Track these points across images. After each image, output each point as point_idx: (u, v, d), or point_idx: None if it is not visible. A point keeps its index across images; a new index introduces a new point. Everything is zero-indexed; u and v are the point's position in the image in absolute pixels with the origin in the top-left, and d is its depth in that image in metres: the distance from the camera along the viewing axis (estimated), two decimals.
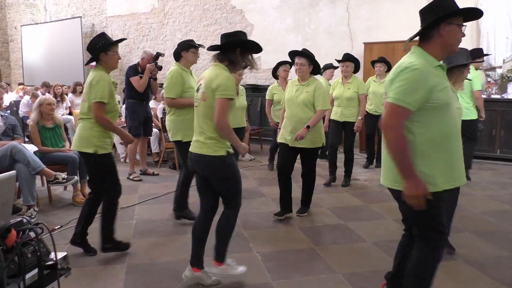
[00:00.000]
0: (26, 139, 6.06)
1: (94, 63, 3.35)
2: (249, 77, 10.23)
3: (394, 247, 3.46)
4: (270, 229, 3.94)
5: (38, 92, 8.40)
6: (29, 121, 4.98)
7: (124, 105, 6.32)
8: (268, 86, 6.53)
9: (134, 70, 5.80)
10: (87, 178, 4.84)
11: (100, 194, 3.33)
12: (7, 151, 4.19)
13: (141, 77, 5.72)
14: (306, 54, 4.05)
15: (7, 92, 10.33)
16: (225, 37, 2.81)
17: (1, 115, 4.68)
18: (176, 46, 4.28)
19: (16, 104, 8.59)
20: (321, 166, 6.11)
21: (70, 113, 8.52)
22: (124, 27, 12.09)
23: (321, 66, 6.89)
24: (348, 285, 2.87)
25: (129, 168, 5.97)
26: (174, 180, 4.30)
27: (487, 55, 5.65)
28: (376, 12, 8.41)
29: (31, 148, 4.58)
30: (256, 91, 8.85)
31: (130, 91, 5.83)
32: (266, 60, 9.69)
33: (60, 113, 7.93)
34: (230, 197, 2.80)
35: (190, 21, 10.99)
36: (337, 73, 6.20)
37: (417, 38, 2.15)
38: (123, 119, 7.40)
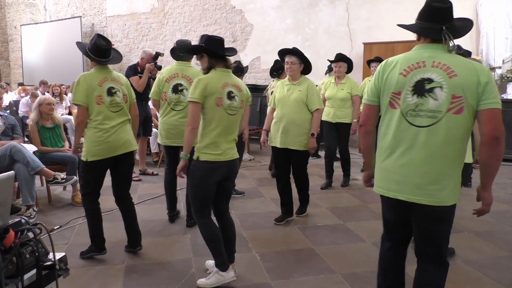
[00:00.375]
0: (26, 139, 6.06)
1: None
2: (248, 77, 10.23)
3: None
4: (269, 229, 3.94)
5: (38, 91, 8.40)
6: (29, 121, 4.97)
7: None
8: (268, 86, 6.53)
9: (134, 70, 5.80)
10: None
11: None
12: (6, 151, 4.19)
13: (140, 77, 5.72)
14: (296, 52, 3.93)
15: (7, 92, 10.34)
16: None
17: (1, 115, 4.67)
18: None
19: (15, 104, 8.59)
20: (320, 166, 6.12)
21: (70, 113, 8.52)
22: (124, 27, 12.08)
23: (315, 66, 6.92)
24: (347, 285, 2.87)
25: None
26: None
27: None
28: (376, 13, 8.42)
29: (30, 148, 4.58)
30: (255, 91, 8.84)
31: None
32: (265, 60, 9.71)
33: (60, 113, 7.93)
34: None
35: (190, 21, 10.99)
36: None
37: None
38: None
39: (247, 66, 5.63)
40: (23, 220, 1.76)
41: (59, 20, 13.01)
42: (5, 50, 14.49)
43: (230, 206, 4.65)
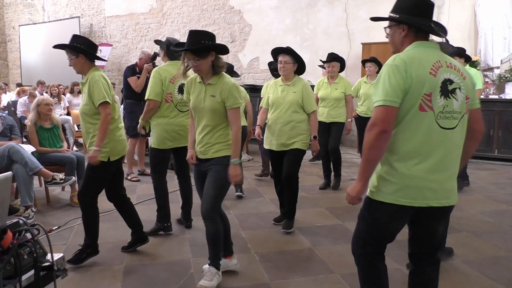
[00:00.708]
0: (24, 140, 6.05)
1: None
2: (247, 77, 10.25)
3: (392, 247, 3.46)
4: (268, 229, 3.94)
5: (36, 92, 8.39)
6: (27, 122, 4.96)
7: (122, 105, 6.31)
8: None
9: (132, 70, 5.81)
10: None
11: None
12: (4, 152, 4.19)
13: (138, 77, 5.71)
14: (290, 52, 3.81)
15: (5, 92, 10.32)
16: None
17: None
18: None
19: (14, 104, 8.57)
20: (318, 166, 6.11)
21: (68, 113, 8.51)
22: (123, 27, 12.08)
23: (314, 66, 6.87)
24: (346, 286, 2.86)
25: (127, 169, 5.96)
26: (172, 180, 4.28)
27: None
28: (374, 13, 8.39)
29: (28, 148, 4.57)
30: (254, 91, 8.85)
31: (128, 91, 5.83)
32: (264, 60, 9.70)
33: (58, 113, 7.92)
34: None
35: (188, 21, 10.99)
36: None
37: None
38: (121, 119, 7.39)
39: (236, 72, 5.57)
40: (21, 221, 1.75)
41: (58, 20, 13.00)
42: (3, 50, 14.48)
43: (228, 206, 4.70)
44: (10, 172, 1.79)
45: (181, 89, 3.65)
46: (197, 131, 2.84)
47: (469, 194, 5.10)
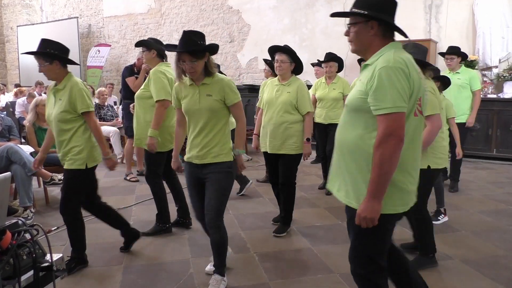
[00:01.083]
0: (23, 140, 6.04)
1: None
2: (246, 77, 10.25)
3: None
4: (267, 229, 3.94)
5: (35, 92, 8.38)
6: (26, 122, 4.96)
7: (121, 105, 6.31)
8: None
9: (130, 70, 5.80)
10: None
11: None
12: (3, 152, 4.18)
13: (137, 78, 5.71)
14: (287, 50, 3.69)
15: (3, 93, 10.31)
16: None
17: None
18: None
19: (12, 105, 8.56)
20: (318, 166, 6.11)
21: None
22: (121, 27, 12.07)
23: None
24: (345, 285, 2.87)
25: (126, 169, 5.96)
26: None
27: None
28: None
29: (27, 149, 4.57)
30: (253, 91, 8.86)
31: (126, 91, 5.82)
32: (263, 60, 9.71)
33: None
34: None
35: (187, 22, 10.98)
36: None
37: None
38: (120, 119, 7.39)
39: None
40: (20, 221, 1.75)
41: (56, 21, 12.98)
42: (1, 51, 14.45)
43: (227, 206, 4.67)
44: (9, 173, 1.79)
45: None
46: (192, 135, 2.75)
47: (467, 194, 5.10)
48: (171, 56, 3.39)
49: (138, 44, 3.86)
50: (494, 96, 7.18)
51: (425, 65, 2.89)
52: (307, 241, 3.65)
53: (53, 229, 3.90)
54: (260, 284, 2.89)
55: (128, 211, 4.47)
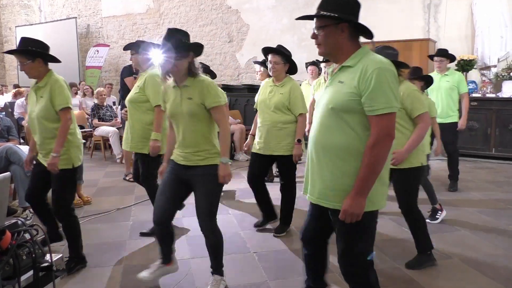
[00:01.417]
0: (22, 141, 6.03)
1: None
2: (245, 77, 10.25)
3: (391, 246, 3.48)
4: (267, 229, 3.94)
5: None
6: (24, 123, 4.96)
7: (120, 105, 6.30)
8: None
9: (129, 70, 5.81)
10: (83, 180, 4.86)
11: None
12: (2, 153, 4.18)
13: (135, 78, 5.69)
14: (280, 52, 3.65)
15: (2, 93, 10.30)
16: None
17: None
18: None
19: (11, 105, 8.55)
20: None
21: None
22: (120, 27, 12.06)
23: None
24: (344, 285, 2.86)
25: (125, 169, 5.95)
26: None
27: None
28: (372, 12, 8.41)
29: (26, 149, 4.55)
30: (252, 91, 8.86)
31: (125, 91, 5.81)
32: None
33: None
34: None
35: (185, 22, 10.98)
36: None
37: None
38: (119, 120, 7.39)
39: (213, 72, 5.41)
40: (19, 222, 1.75)
41: (54, 21, 12.97)
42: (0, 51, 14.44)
43: (227, 206, 4.70)
44: (8, 173, 1.79)
45: None
46: (178, 138, 2.67)
47: (467, 193, 5.11)
48: None
49: (126, 48, 3.79)
50: (493, 95, 7.19)
51: (402, 66, 2.98)
52: None
53: None
54: (260, 283, 2.89)
55: (128, 211, 4.47)
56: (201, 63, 2.76)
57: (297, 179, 3.84)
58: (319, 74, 5.53)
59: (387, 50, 2.96)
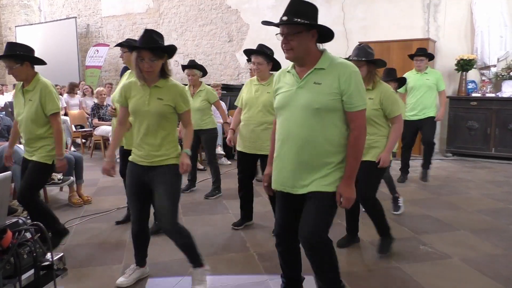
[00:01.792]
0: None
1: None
2: (245, 77, 10.25)
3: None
4: (267, 228, 3.94)
5: None
6: None
7: None
8: None
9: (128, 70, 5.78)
10: (83, 179, 4.86)
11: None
12: (2, 152, 4.17)
13: None
14: (262, 52, 3.69)
15: (2, 93, 10.29)
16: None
17: None
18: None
19: (11, 105, 8.55)
20: None
21: (66, 114, 8.50)
22: (119, 27, 12.06)
23: None
24: (345, 284, 2.87)
25: None
26: None
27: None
28: (371, 12, 8.43)
29: None
30: None
31: None
32: None
33: None
34: None
35: (185, 21, 10.98)
36: None
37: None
38: None
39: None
40: (20, 221, 1.75)
41: (54, 21, 12.97)
42: (0, 51, 14.44)
43: (227, 206, 4.70)
44: (9, 172, 1.79)
45: None
46: (138, 136, 2.65)
47: (466, 193, 5.12)
48: None
49: (119, 45, 3.83)
50: (493, 95, 7.19)
51: (380, 65, 3.22)
52: None
53: None
54: (260, 283, 2.89)
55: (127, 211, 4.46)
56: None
57: None
58: None
59: (369, 49, 3.17)
